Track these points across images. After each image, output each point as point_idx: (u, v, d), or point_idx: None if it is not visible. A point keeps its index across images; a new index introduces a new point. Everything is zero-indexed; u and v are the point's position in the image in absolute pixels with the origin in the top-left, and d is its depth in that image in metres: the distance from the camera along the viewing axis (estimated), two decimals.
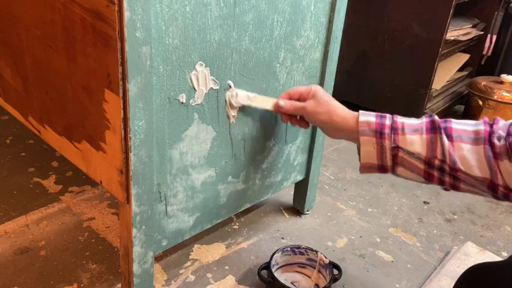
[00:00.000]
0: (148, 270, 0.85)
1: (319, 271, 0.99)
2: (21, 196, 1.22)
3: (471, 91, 1.86)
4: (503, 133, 0.67)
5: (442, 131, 0.70)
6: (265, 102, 0.90)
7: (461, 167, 0.68)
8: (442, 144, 0.69)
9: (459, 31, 1.86)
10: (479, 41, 2.07)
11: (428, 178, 0.73)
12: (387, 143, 0.73)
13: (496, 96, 1.78)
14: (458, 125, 0.71)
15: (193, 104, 0.80)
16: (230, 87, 0.85)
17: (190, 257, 1.06)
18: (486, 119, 0.71)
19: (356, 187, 1.41)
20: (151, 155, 0.75)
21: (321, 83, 1.06)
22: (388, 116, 0.76)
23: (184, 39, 0.74)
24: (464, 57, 2.06)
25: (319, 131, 1.11)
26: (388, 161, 0.75)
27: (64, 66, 0.79)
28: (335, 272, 0.97)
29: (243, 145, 0.94)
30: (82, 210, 1.18)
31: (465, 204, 1.37)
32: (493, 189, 0.68)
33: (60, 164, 1.37)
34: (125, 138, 0.71)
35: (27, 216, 1.14)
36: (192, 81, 0.78)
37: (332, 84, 1.09)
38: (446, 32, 1.64)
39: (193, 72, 0.78)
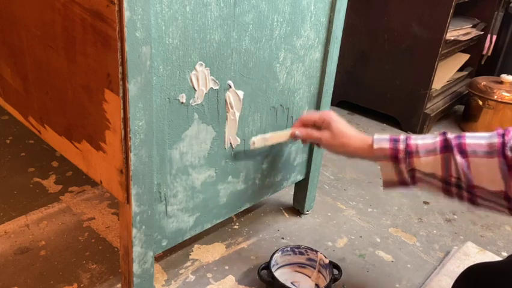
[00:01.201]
0: (148, 270, 0.85)
1: (319, 271, 0.99)
2: (21, 196, 1.22)
3: (471, 91, 1.86)
4: None
5: (455, 149, 0.71)
6: (282, 137, 0.96)
7: (476, 183, 0.69)
8: (456, 164, 0.70)
9: (459, 31, 1.86)
10: (479, 41, 2.07)
11: (448, 194, 0.74)
12: (403, 166, 0.76)
13: (496, 96, 1.78)
14: (472, 140, 0.72)
15: (193, 104, 0.80)
16: (230, 86, 0.85)
17: (190, 257, 1.06)
18: (500, 130, 0.71)
19: (356, 187, 1.41)
20: (151, 155, 0.76)
21: (321, 83, 1.06)
22: (402, 138, 0.77)
23: (184, 39, 0.74)
24: (464, 57, 2.06)
25: None
26: (407, 179, 0.77)
27: (64, 66, 0.79)
28: (335, 272, 0.97)
29: (243, 145, 0.94)
30: (82, 210, 1.18)
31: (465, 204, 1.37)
32: (509, 201, 0.68)
33: (60, 164, 1.37)
34: (125, 138, 0.71)
35: (27, 216, 1.14)
36: (191, 81, 0.78)
37: (332, 84, 1.09)
38: (446, 32, 1.64)
39: (193, 72, 0.78)
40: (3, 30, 0.95)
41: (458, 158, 0.70)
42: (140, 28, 0.66)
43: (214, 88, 0.83)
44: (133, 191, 0.75)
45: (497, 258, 1.12)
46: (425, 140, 0.76)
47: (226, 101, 0.86)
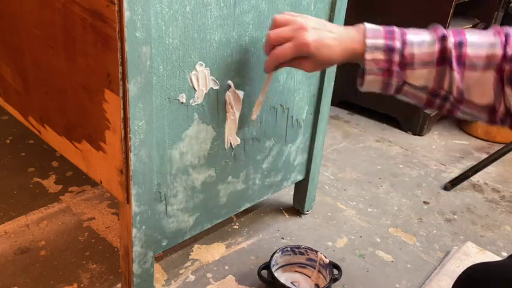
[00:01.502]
0: (148, 270, 0.85)
1: (319, 271, 0.99)
2: (21, 196, 1.22)
3: None
4: None
5: (454, 62, 0.65)
6: (266, 83, 0.85)
7: (467, 97, 0.66)
8: (451, 78, 0.65)
9: None
10: None
11: (428, 105, 0.70)
12: (394, 81, 0.69)
13: None
14: (473, 50, 0.65)
15: (193, 104, 0.80)
16: (230, 86, 0.85)
17: (190, 257, 1.06)
18: (502, 37, 0.64)
19: (356, 187, 1.41)
20: (151, 155, 0.76)
21: (321, 83, 1.06)
22: (397, 46, 0.67)
23: (184, 39, 0.74)
24: None
25: (319, 131, 1.11)
26: (392, 91, 0.71)
27: (64, 66, 0.79)
28: (335, 272, 0.97)
29: (243, 145, 0.94)
30: (82, 210, 1.18)
31: (465, 204, 1.37)
32: (492, 113, 0.66)
33: (60, 164, 1.37)
34: (125, 138, 0.71)
35: (27, 216, 1.14)
36: (191, 81, 0.78)
37: (332, 84, 1.09)
38: None
39: (193, 72, 0.78)
40: (3, 30, 0.95)
41: (455, 74, 0.65)
42: (140, 28, 0.66)
43: (214, 88, 0.83)
44: (133, 191, 0.75)
45: (497, 258, 1.12)
46: (422, 48, 0.67)
47: (226, 101, 0.86)
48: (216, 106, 0.84)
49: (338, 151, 1.63)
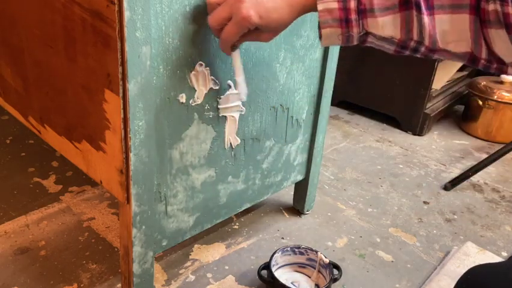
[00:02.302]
0: (148, 270, 0.85)
1: (319, 271, 0.99)
2: (21, 196, 1.22)
3: (471, 91, 1.86)
4: None
5: (422, 3, 0.58)
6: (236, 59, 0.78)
7: (441, 45, 0.59)
8: (420, 24, 0.58)
9: None
10: None
11: (396, 54, 0.63)
12: (355, 31, 0.62)
13: (496, 96, 1.78)
14: None
15: (193, 104, 0.80)
16: (230, 87, 0.85)
17: (190, 257, 1.06)
18: None
19: (356, 187, 1.41)
20: (151, 155, 0.76)
21: (321, 83, 1.06)
22: None
23: (184, 39, 0.74)
24: None
25: (319, 131, 1.11)
26: (354, 43, 0.64)
27: (64, 66, 0.79)
28: (335, 272, 0.97)
29: (243, 145, 0.94)
30: (82, 210, 1.18)
31: (465, 204, 1.37)
32: (473, 61, 0.60)
33: (60, 164, 1.37)
34: (125, 138, 0.71)
35: (27, 216, 1.14)
36: (191, 81, 0.78)
37: (332, 84, 1.09)
38: None
39: (193, 72, 0.78)
40: (3, 30, 0.95)
41: (425, 18, 0.57)
42: (140, 28, 0.66)
43: (214, 88, 0.83)
44: (133, 191, 0.75)
45: (497, 258, 1.12)
46: None
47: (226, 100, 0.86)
48: (216, 106, 0.84)
49: (338, 151, 1.63)
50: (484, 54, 0.58)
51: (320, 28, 0.63)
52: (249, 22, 0.65)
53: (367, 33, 0.62)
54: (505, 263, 0.72)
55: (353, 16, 0.61)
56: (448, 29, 0.58)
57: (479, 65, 0.60)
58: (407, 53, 0.62)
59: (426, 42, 0.59)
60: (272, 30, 0.69)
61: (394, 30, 0.60)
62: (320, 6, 0.61)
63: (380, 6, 0.60)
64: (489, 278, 0.70)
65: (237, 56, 0.77)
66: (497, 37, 0.56)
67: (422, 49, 0.61)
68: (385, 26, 0.60)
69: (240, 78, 0.80)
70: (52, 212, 1.17)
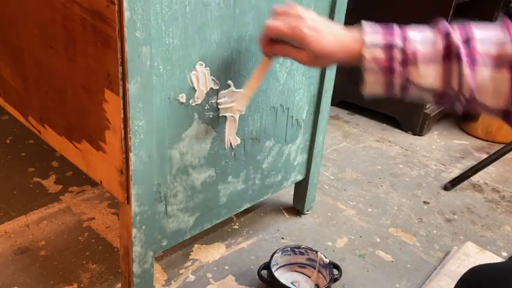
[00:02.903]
0: (148, 270, 0.85)
1: (319, 271, 0.99)
2: (21, 196, 1.22)
3: None
4: None
5: (463, 57, 0.60)
6: (262, 71, 0.79)
7: (480, 99, 0.61)
8: (460, 75, 0.60)
9: None
10: None
11: (439, 103, 0.65)
12: (397, 80, 0.64)
13: None
14: (482, 45, 0.60)
15: (193, 104, 0.80)
16: (230, 86, 0.85)
17: (190, 257, 1.06)
18: (510, 27, 0.60)
19: (356, 187, 1.41)
20: (151, 155, 0.76)
21: (321, 83, 1.06)
22: (398, 42, 0.64)
23: (184, 39, 0.74)
24: None
25: (319, 131, 1.11)
26: (396, 93, 0.66)
27: (64, 66, 0.79)
28: (335, 272, 0.97)
29: (243, 145, 0.94)
30: (82, 210, 1.18)
31: (465, 204, 1.37)
32: (506, 116, 0.61)
33: (60, 164, 1.37)
34: (125, 138, 0.71)
35: (27, 216, 1.14)
36: (191, 81, 0.78)
37: (332, 84, 1.09)
38: None
39: (193, 72, 0.78)
40: (3, 30, 0.95)
41: (467, 70, 0.59)
42: (140, 28, 0.66)
43: (214, 88, 0.83)
44: (133, 191, 0.75)
45: (497, 258, 1.12)
46: (425, 45, 0.63)
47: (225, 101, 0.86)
48: (216, 106, 0.84)
49: (338, 151, 1.63)
50: None
51: (364, 73, 0.66)
52: (300, 33, 0.68)
53: (408, 82, 0.64)
54: (505, 263, 0.72)
55: (396, 65, 0.63)
56: (487, 84, 0.60)
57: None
58: (446, 102, 0.64)
59: (466, 94, 0.61)
60: (314, 56, 0.70)
61: (435, 80, 0.62)
62: (367, 54, 0.64)
63: (423, 58, 0.63)
64: (489, 278, 0.70)
65: (265, 66, 0.78)
66: None
67: (462, 100, 0.62)
68: (427, 76, 0.63)
69: (250, 93, 0.80)
70: (52, 212, 1.17)
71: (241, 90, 0.87)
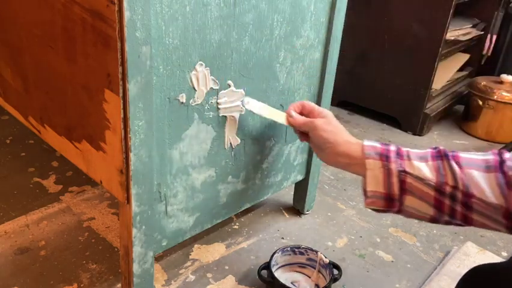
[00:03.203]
0: (148, 270, 0.85)
1: (319, 271, 0.99)
2: (21, 196, 1.22)
3: (471, 91, 1.86)
4: None
5: (450, 157, 0.68)
6: (277, 114, 0.91)
7: (475, 193, 0.65)
8: (452, 170, 0.66)
9: (459, 31, 1.86)
10: (479, 41, 2.07)
11: (439, 207, 0.69)
12: (393, 166, 0.70)
13: (496, 96, 1.78)
14: (465, 155, 0.68)
15: (193, 104, 0.80)
16: (230, 86, 0.85)
17: (190, 257, 1.06)
18: (495, 150, 0.69)
19: (356, 187, 1.41)
20: (151, 155, 0.76)
21: (321, 83, 1.06)
22: (393, 144, 0.75)
23: (184, 39, 0.74)
24: (464, 57, 2.06)
25: None
26: (395, 188, 0.70)
27: (64, 66, 0.79)
28: (335, 272, 0.97)
29: (243, 145, 0.94)
30: (82, 210, 1.18)
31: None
32: (509, 217, 0.64)
33: (60, 164, 1.37)
34: (125, 138, 0.71)
35: (27, 216, 1.14)
36: (191, 81, 0.78)
37: (332, 84, 1.09)
38: (446, 32, 1.64)
39: (193, 72, 0.78)
40: (3, 30, 0.95)
41: (454, 165, 0.66)
42: (140, 28, 0.66)
43: (214, 88, 0.83)
44: (133, 191, 0.75)
45: (497, 258, 1.12)
46: (416, 150, 0.73)
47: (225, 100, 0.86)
48: (216, 106, 0.84)
49: None
50: None
51: (365, 161, 0.73)
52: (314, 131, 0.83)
53: (405, 172, 0.70)
54: (505, 263, 0.72)
55: (392, 155, 0.72)
56: (479, 181, 0.65)
57: None
58: (447, 202, 0.68)
59: (460, 186, 0.66)
60: (319, 150, 0.84)
61: (429, 173, 0.68)
62: (366, 142, 0.75)
63: (414, 155, 0.71)
64: (490, 279, 0.70)
65: (281, 117, 0.91)
66: None
67: (459, 195, 0.66)
68: (420, 168, 0.69)
69: (258, 112, 0.90)
70: (52, 212, 1.17)
71: (241, 90, 0.87)
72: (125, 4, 0.62)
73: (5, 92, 1.04)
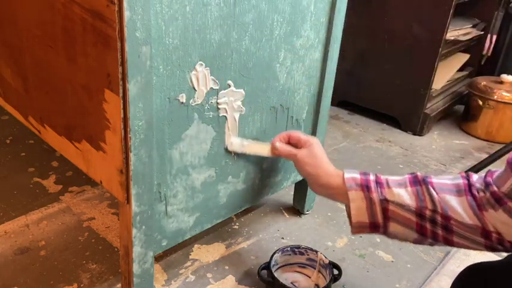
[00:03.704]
0: (148, 270, 0.85)
1: (319, 271, 0.99)
2: (21, 196, 1.22)
3: (471, 91, 1.86)
4: (480, 186, 0.68)
5: (428, 182, 0.71)
6: (261, 149, 0.93)
7: (452, 215, 0.68)
8: (430, 194, 0.70)
9: (459, 31, 1.86)
10: (479, 41, 2.07)
11: (422, 231, 0.72)
12: (375, 196, 0.73)
13: (496, 96, 1.78)
14: (438, 180, 0.72)
15: (193, 104, 0.80)
16: (230, 86, 0.85)
17: (190, 257, 1.06)
18: (462, 173, 0.72)
19: None
20: (151, 155, 0.76)
21: (321, 83, 1.06)
22: (371, 172, 0.77)
23: (184, 39, 0.74)
24: (464, 57, 2.06)
25: (319, 131, 1.11)
26: (379, 216, 0.74)
27: (64, 66, 0.79)
28: (335, 272, 0.97)
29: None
30: (82, 210, 1.18)
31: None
32: (486, 236, 0.67)
33: (60, 164, 1.37)
34: (125, 138, 0.71)
35: (27, 216, 1.14)
36: (191, 81, 0.78)
37: (332, 84, 1.09)
38: (446, 32, 1.64)
39: (193, 72, 0.78)
40: (3, 30, 0.95)
41: (432, 189, 0.70)
42: (140, 28, 0.66)
43: (214, 88, 0.83)
44: (133, 191, 0.75)
45: (497, 258, 1.12)
46: (394, 177, 0.75)
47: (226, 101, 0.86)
48: (215, 106, 0.84)
49: (338, 151, 1.63)
50: (492, 228, 0.67)
51: (347, 193, 0.76)
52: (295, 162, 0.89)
53: (386, 200, 0.73)
54: (500, 262, 0.72)
55: (372, 184, 0.74)
56: (454, 205, 0.68)
57: (493, 239, 0.68)
58: (428, 226, 0.70)
59: (439, 209, 0.69)
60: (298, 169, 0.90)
61: (409, 198, 0.71)
62: (346, 175, 0.78)
63: (393, 182, 0.74)
64: (485, 277, 0.70)
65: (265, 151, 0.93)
66: (490, 218, 0.66)
67: (438, 218, 0.69)
68: (400, 194, 0.72)
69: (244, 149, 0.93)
70: (52, 212, 1.17)
71: (241, 90, 0.87)
72: (125, 4, 0.62)
73: (5, 92, 1.04)
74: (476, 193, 0.67)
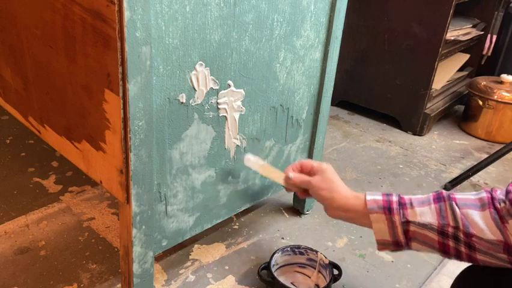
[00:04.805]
0: (148, 270, 0.85)
1: (319, 271, 0.99)
2: (21, 196, 1.22)
3: (471, 91, 1.86)
4: (502, 196, 0.68)
5: (451, 199, 0.70)
6: (275, 176, 0.94)
7: (474, 232, 0.67)
8: (453, 211, 0.69)
9: (459, 31, 1.86)
10: (479, 41, 2.07)
11: (444, 249, 0.71)
12: (396, 218, 0.73)
13: (496, 96, 1.78)
14: (461, 195, 0.71)
15: (193, 104, 0.80)
16: (230, 86, 0.85)
17: (190, 257, 1.06)
18: (486, 188, 0.72)
19: (356, 187, 1.40)
20: (151, 155, 0.76)
21: (321, 83, 1.06)
22: (394, 194, 0.77)
23: (184, 39, 0.74)
24: (464, 57, 2.06)
25: (319, 131, 1.11)
26: (401, 236, 0.74)
27: (64, 66, 0.79)
28: (335, 272, 0.97)
29: (243, 145, 0.94)
30: (82, 210, 1.18)
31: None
32: (509, 251, 0.66)
33: (60, 164, 1.37)
34: (125, 138, 0.71)
35: (27, 216, 1.14)
36: (191, 81, 0.78)
37: (332, 84, 1.09)
38: (446, 32, 1.64)
39: (193, 72, 0.78)
40: (3, 30, 0.95)
41: (455, 205, 0.70)
42: (140, 28, 0.66)
43: (214, 88, 0.83)
44: (133, 191, 0.75)
45: None
46: (418, 196, 0.75)
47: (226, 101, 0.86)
48: (215, 106, 0.84)
49: (338, 151, 1.63)
50: None
51: (369, 215, 0.76)
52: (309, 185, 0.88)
53: (408, 222, 0.73)
54: None
55: (394, 206, 0.74)
56: (476, 220, 0.67)
57: None
58: (451, 243, 0.70)
59: (461, 226, 0.68)
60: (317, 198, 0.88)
61: (431, 217, 0.71)
62: (368, 197, 0.77)
63: (416, 201, 0.73)
64: (484, 277, 0.70)
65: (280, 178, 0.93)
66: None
67: (461, 235, 0.68)
68: (423, 214, 0.72)
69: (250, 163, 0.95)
70: (52, 212, 1.17)
71: (241, 90, 0.87)
72: (125, 4, 0.62)
73: (5, 92, 1.04)
74: (498, 205, 0.67)
